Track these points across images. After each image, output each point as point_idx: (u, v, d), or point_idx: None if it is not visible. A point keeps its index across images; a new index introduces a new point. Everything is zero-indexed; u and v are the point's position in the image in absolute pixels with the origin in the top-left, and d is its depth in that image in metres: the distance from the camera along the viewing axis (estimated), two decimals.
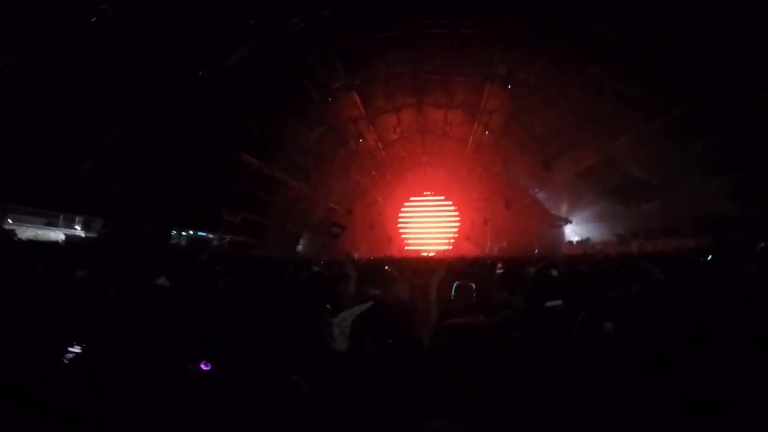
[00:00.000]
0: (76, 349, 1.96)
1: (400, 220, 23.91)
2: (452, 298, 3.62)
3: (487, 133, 16.34)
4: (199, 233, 15.38)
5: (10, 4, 5.84)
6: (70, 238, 9.62)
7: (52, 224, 9.42)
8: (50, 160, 8.27)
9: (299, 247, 20.63)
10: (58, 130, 7.93)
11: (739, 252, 7.33)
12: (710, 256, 6.98)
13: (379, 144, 18.20)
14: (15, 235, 7.83)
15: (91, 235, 10.27)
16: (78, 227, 10.17)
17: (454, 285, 3.69)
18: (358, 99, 14.07)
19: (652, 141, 11.13)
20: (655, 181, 12.65)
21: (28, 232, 8.45)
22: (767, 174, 8.83)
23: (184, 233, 14.76)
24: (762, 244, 8.20)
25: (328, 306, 2.95)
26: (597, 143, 13.33)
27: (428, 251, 21.92)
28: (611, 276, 4.48)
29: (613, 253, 12.25)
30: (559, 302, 2.87)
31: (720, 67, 7.35)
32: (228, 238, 16.24)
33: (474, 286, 3.67)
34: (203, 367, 1.90)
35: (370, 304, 2.20)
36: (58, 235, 9.42)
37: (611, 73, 9.75)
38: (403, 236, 23.76)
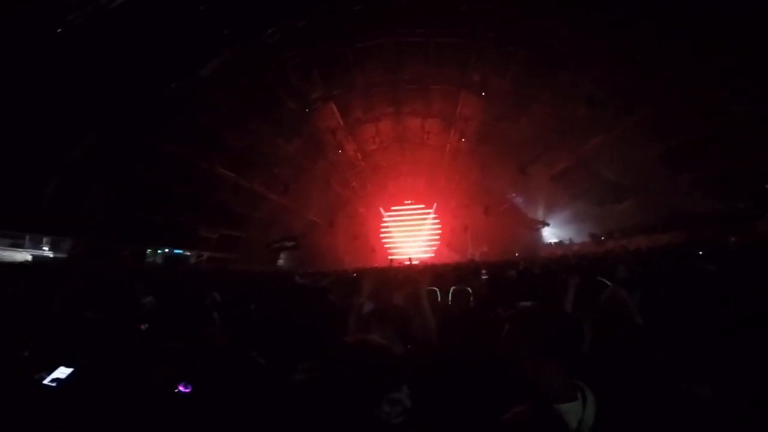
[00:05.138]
0: (60, 373, 1.88)
1: (382, 229, 23.90)
2: (450, 302, 3.67)
3: (463, 140, 16.62)
4: (175, 251, 14.93)
5: None
6: (37, 259, 9.13)
7: (17, 245, 8.93)
8: (14, 178, 7.87)
9: (280, 261, 20.28)
10: (23, 145, 7.56)
11: (710, 248, 7.67)
12: (679, 254, 7.27)
13: (359, 154, 18.22)
14: None
15: (60, 255, 9.79)
16: (46, 248, 9.68)
17: (451, 290, 3.77)
18: (336, 109, 14.07)
19: (621, 142, 11.58)
20: (626, 181, 13.12)
21: None
22: (732, 170, 9.31)
23: (159, 251, 14.30)
24: (733, 239, 8.61)
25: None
26: (569, 147, 13.76)
27: (411, 259, 21.92)
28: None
29: (589, 253, 12.59)
30: (529, 303, 3.04)
31: (681, 69, 7.76)
32: (206, 254, 15.82)
33: (470, 290, 3.76)
34: (182, 389, 1.84)
35: None
36: (24, 256, 8.93)
37: (580, 77, 10.12)
38: (386, 246, 23.72)
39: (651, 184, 11.90)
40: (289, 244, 18.67)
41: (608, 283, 3.45)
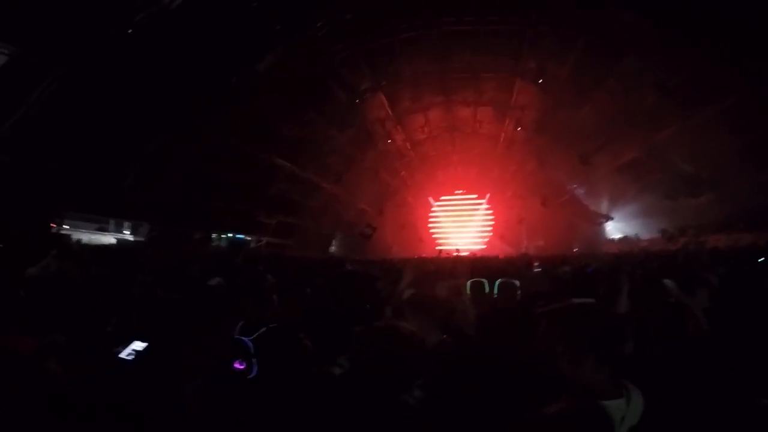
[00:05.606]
0: (136, 346, 2.10)
1: (431, 219, 23.69)
2: (496, 295, 3.61)
3: (519, 129, 15.90)
4: (237, 236, 16.07)
5: (53, 20, 6.32)
6: (120, 242, 10.39)
7: (103, 229, 10.21)
8: (100, 169, 8.96)
9: (332, 248, 21.03)
10: (106, 140, 8.53)
11: None
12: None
13: (408, 144, 18.16)
14: (70, 239, 8.57)
15: (139, 238, 11.04)
16: (127, 232, 10.95)
17: (497, 283, 3.69)
18: (384, 100, 14.14)
19: (700, 132, 10.38)
20: (704, 174, 11.79)
21: (81, 236, 9.21)
22: None
23: (223, 236, 15.50)
24: None
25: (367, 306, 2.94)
26: (637, 136, 12.62)
27: (460, 251, 21.58)
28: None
29: (658, 251, 11.61)
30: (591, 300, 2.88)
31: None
32: (265, 240, 16.87)
33: (518, 283, 3.66)
34: (237, 366, 1.98)
35: None
36: (108, 239, 10.20)
37: (650, 63, 9.20)
38: (434, 236, 23.52)
39: (732, 178, 10.59)
40: (368, 230, 19.58)
41: (659, 280, 3.19)
